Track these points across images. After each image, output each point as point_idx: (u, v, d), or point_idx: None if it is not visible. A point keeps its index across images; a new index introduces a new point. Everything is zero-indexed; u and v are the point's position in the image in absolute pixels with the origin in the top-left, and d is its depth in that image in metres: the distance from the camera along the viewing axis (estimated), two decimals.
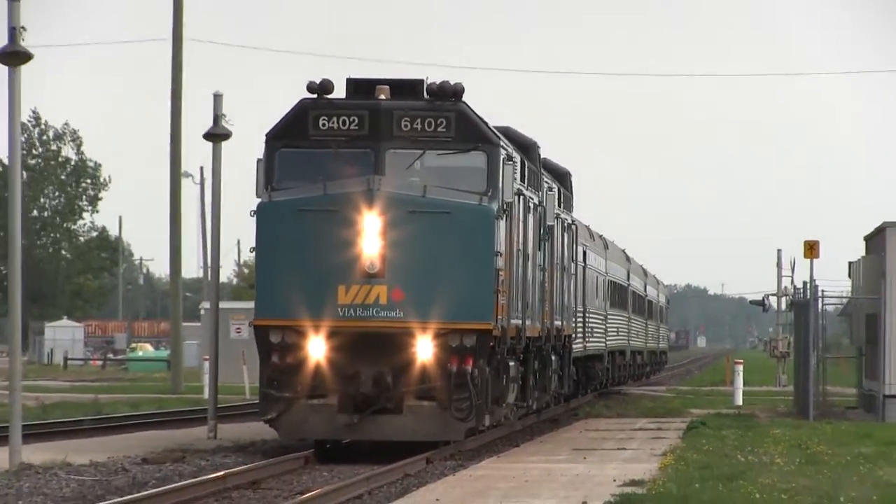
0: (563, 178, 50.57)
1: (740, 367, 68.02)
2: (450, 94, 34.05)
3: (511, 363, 36.99)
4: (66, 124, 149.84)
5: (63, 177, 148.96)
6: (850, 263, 60.30)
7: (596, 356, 62.18)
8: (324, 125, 33.80)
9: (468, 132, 33.96)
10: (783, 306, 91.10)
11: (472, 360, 33.27)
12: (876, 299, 52.46)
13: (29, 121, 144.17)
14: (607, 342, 65.95)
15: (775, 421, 50.93)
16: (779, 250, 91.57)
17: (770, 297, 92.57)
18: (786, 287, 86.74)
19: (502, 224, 34.72)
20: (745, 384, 67.77)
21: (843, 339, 70.48)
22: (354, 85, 34.65)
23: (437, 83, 34.20)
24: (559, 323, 46.28)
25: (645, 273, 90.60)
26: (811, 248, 56.85)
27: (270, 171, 34.21)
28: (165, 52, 79.71)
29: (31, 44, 33.68)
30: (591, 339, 58.75)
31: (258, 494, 29.82)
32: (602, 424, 50.79)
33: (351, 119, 33.66)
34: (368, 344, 33.38)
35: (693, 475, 30.93)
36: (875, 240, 54.68)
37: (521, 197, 37.80)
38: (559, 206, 46.87)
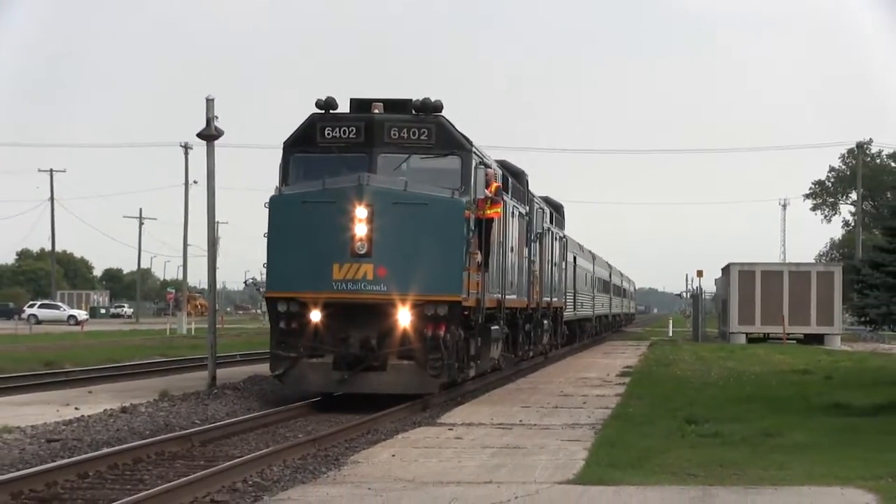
0: (557, 208, 36.66)
1: (671, 321, 71.37)
2: (431, 109, 20.06)
3: (494, 327, 22.61)
4: None
5: None
6: (715, 279, 62.18)
7: (586, 319, 48.03)
8: (328, 134, 20.08)
9: (446, 140, 20.02)
10: (688, 296, 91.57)
11: (445, 326, 19.26)
12: (724, 294, 53.34)
13: None
14: (594, 311, 52.20)
15: (685, 342, 49.47)
16: (686, 273, 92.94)
17: (683, 293, 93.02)
18: (689, 288, 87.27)
19: (473, 216, 20.20)
20: (672, 327, 66.52)
21: (713, 310, 71.22)
22: (357, 103, 20.60)
23: (421, 100, 20.19)
24: (548, 299, 31.67)
25: (621, 274, 79.30)
26: (699, 273, 56.27)
27: (286, 172, 20.42)
28: None
29: None
30: (580, 310, 44.38)
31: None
32: (615, 344, 49.54)
33: (350, 129, 20.10)
34: (357, 312, 19.23)
35: (652, 364, 30.76)
36: (725, 269, 54.25)
37: (506, 204, 23.43)
38: (552, 224, 33.05)
